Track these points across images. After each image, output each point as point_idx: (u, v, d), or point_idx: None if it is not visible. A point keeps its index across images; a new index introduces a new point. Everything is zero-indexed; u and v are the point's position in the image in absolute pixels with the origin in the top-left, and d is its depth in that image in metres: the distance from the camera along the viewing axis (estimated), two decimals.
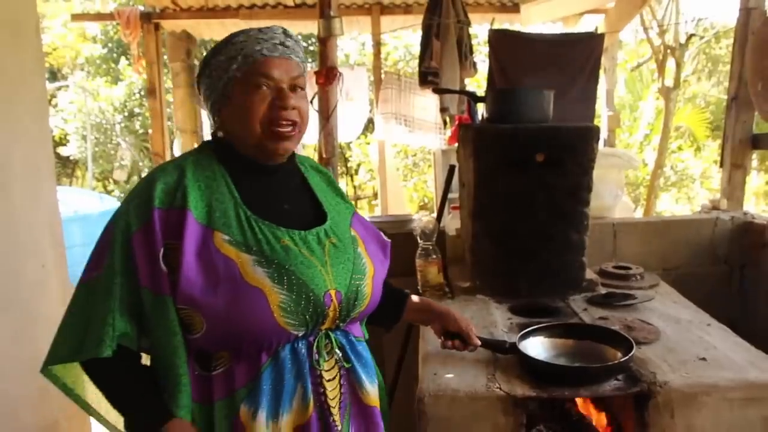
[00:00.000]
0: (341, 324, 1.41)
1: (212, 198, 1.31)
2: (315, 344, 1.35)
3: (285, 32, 1.36)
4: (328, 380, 1.37)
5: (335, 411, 1.37)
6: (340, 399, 1.39)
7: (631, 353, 1.78)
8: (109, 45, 12.91)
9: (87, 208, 7.86)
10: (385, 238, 1.64)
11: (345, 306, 1.38)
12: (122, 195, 11.30)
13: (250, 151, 1.37)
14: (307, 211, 1.46)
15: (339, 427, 1.38)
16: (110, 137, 12.21)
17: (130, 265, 1.24)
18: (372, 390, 1.48)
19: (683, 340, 2.03)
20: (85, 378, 1.36)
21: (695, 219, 3.41)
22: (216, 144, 1.41)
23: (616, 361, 1.80)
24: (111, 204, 8.78)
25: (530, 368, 1.83)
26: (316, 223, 1.42)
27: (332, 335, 1.39)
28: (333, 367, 1.38)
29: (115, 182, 12.57)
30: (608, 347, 1.90)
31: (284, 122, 1.34)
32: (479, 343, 1.80)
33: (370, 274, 1.45)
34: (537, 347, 1.93)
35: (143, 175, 12.33)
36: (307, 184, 1.52)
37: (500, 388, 1.74)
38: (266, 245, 1.29)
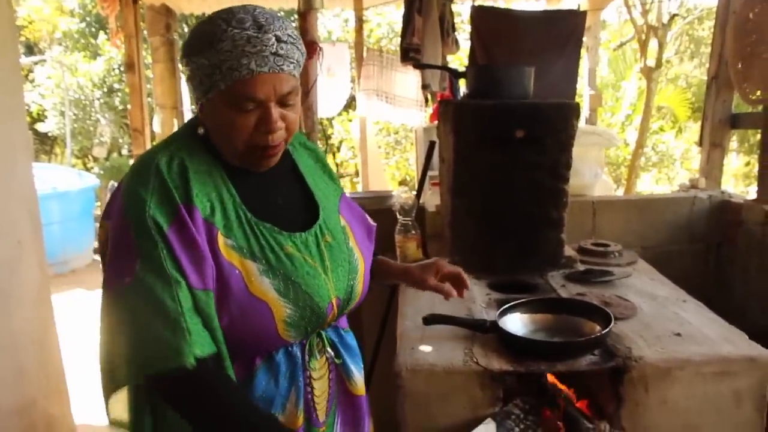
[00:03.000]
0: (333, 323, 1.40)
1: (212, 195, 1.21)
2: (308, 345, 1.32)
3: (278, 38, 1.17)
4: (317, 379, 1.35)
5: (320, 407, 1.36)
6: (327, 395, 1.38)
7: (609, 327, 1.80)
8: (87, 19, 12.66)
9: (65, 185, 7.77)
10: (371, 221, 1.59)
11: (341, 308, 1.36)
12: (101, 172, 11.16)
13: (230, 159, 1.27)
14: (299, 204, 1.39)
15: (322, 421, 1.37)
16: (89, 113, 12.02)
17: (178, 264, 1.11)
18: (359, 379, 1.47)
19: (659, 316, 2.06)
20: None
21: (674, 197, 3.44)
22: (204, 137, 1.29)
23: (592, 336, 1.81)
24: (90, 181, 8.68)
25: (508, 343, 1.84)
26: (309, 217, 1.36)
27: (323, 333, 1.37)
28: (323, 366, 1.37)
29: (95, 159, 12.41)
30: (586, 321, 1.92)
31: (269, 147, 1.24)
32: (469, 286, 1.67)
33: (362, 270, 1.42)
34: (515, 323, 1.95)
35: (123, 152, 12.25)
36: (298, 170, 1.44)
37: (477, 363, 1.75)
38: (271, 253, 1.22)
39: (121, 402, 1.17)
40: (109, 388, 1.13)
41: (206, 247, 1.15)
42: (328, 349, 1.37)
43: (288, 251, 1.25)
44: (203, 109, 1.23)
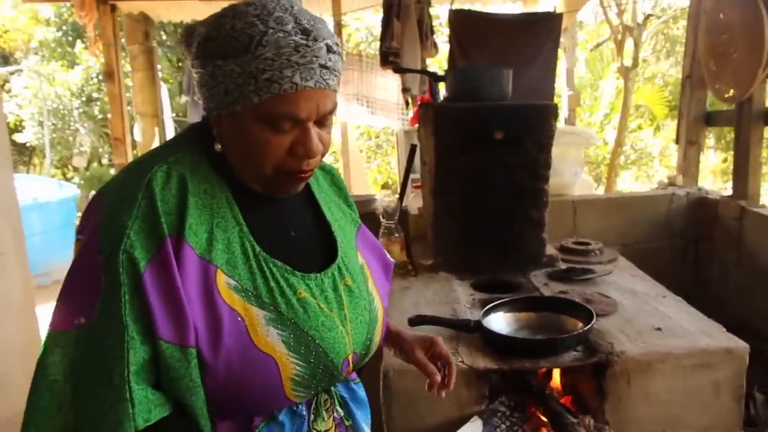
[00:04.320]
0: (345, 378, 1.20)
1: (213, 223, 1.00)
2: (314, 403, 1.12)
3: (329, 48, 0.98)
4: None
5: None
6: None
7: (591, 323, 1.83)
8: (64, 28, 12.54)
9: (46, 195, 7.69)
10: (388, 257, 1.39)
11: (357, 364, 1.16)
12: (82, 182, 11.06)
13: (249, 182, 1.06)
14: (314, 237, 1.18)
15: None
16: (68, 123, 11.92)
17: (143, 314, 0.91)
18: None
19: (640, 312, 2.10)
20: None
21: (652, 195, 3.50)
22: (201, 139, 1.07)
23: (574, 332, 1.85)
24: (70, 191, 8.60)
25: (492, 342, 1.87)
26: (324, 252, 1.16)
27: (333, 390, 1.17)
28: (330, 428, 1.16)
29: (75, 169, 12.31)
30: (569, 318, 1.96)
31: (303, 170, 1.04)
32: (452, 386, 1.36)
33: (380, 319, 1.21)
34: (499, 322, 1.98)
35: (104, 162, 12.16)
36: (313, 197, 1.22)
37: (463, 362, 1.78)
38: (281, 298, 1.02)
39: None
40: None
41: (193, 295, 0.95)
42: (338, 408, 1.18)
43: (301, 296, 1.05)
44: (220, 122, 1.03)
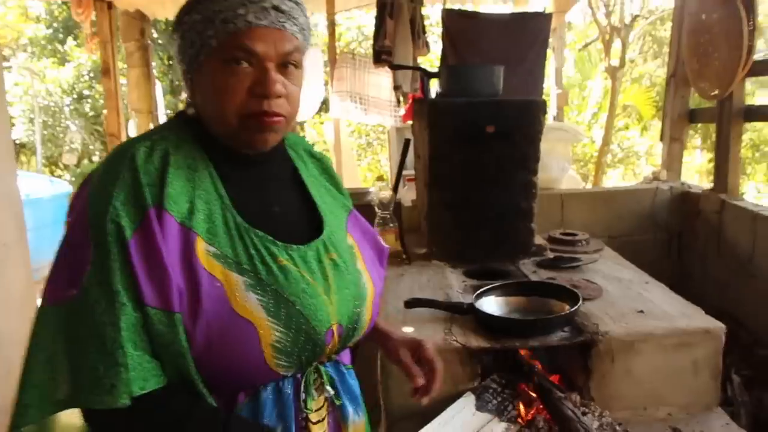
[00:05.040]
0: (333, 356, 1.18)
1: (195, 194, 1.02)
2: (303, 381, 1.10)
3: None
4: (315, 422, 1.12)
5: None
6: None
7: (578, 305, 1.94)
8: (54, 25, 12.54)
9: (37, 192, 7.71)
10: (383, 242, 1.37)
11: (343, 339, 1.14)
12: (73, 179, 11.07)
13: (224, 138, 1.08)
14: (299, 214, 1.19)
15: None
16: (59, 120, 11.93)
17: (132, 280, 0.94)
18: (360, 425, 1.24)
19: (624, 296, 2.21)
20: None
21: (637, 189, 3.62)
22: (190, 123, 1.10)
23: (562, 313, 1.95)
24: (62, 188, 8.62)
25: (484, 323, 1.97)
26: (310, 230, 1.16)
27: (322, 369, 1.15)
28: (322, 407, 1.14)
29: (65, 166, 12.30)
30: (556, 301, 2.06)
31: (266, 115, 1.04)
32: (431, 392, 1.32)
33: (370, 297, 1.20)
34: (491, 305, 2.08)
35: (94, 159, 12.16)
36: (299, 177, 1.24)
37: (457, 341, 1.88)
38: (261, 264, 1.02)
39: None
40: (27, 414, 0.94)
41: (174, 262, 0.97)
42: (328, 388, 1.15)
43: (282, 263, 1.05)
44: (192, 84, 1.08)
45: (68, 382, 0.92)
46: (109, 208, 0.95)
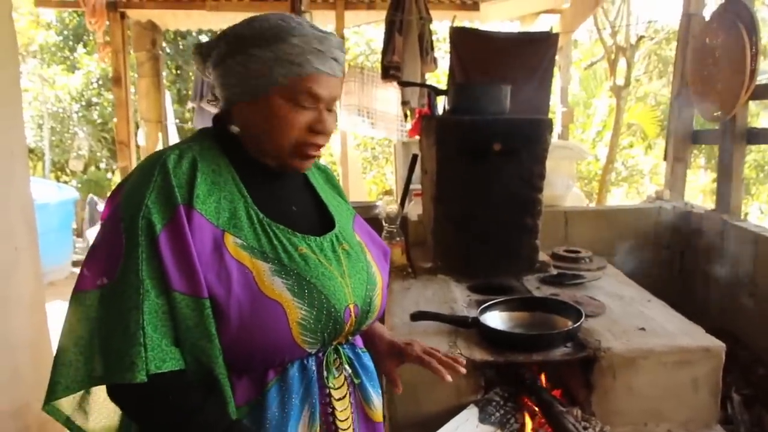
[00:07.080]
0: (350, 338, 1.31)
1: (221, 196, 1.15)
2: (324, 360, 1.22)
3: (338, 45, 1.20)
4: (338, 399, 1.24)
5: None
6: (351, 419, 1.27)
7: (580, 321, 1.97)
8: (65, 32, 12.67)
9: (44, 197, 7.76)
10: (385, 245, 1.51)
11: (359, 320, 1.25)
12: (79, 185, 11.14)
13: (264, 159, 1.23)
14: (313, 215, 1.33)
15: None
16: (67, 127, 12.02)
17: (158, 270, 1.05)
18: (378, 405, 1.37)
19: (626, 314, 2.25)
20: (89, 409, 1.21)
21: (640, 208, 3.66)
22: (219, 135, 1.24)
23: (565, 329, 1.99)
24: (69, 194, 8.67)
25: (488, 337, 2.01)
26: (323, 228, 1.29)
27: (341, 349, 1.27)
28: (343, 384, 1.26)
29: (72, 172, 12.37)
30: (559, 317, 2.10)
31: (317, 148, 1.22)
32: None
33: (380, 285, 1.33)
34: (495, 319, 2.12)
35: (101, 166, 12.24)
36: (310, 183, 1.39)
37: (461, 354, 1.91)
38: (283, 253, 1.16)
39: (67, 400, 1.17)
40: (64, 387, 1.07)
41: (206, 253, 1.09)
42: (346, 367, 1.27)
43: (302, 251, 1.18)
44: (241, 110, 1.20)
45: (98, 362, 1.04)
46: (142, 207, 1.07)
